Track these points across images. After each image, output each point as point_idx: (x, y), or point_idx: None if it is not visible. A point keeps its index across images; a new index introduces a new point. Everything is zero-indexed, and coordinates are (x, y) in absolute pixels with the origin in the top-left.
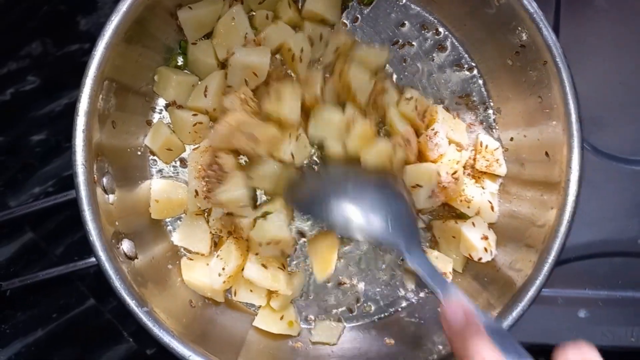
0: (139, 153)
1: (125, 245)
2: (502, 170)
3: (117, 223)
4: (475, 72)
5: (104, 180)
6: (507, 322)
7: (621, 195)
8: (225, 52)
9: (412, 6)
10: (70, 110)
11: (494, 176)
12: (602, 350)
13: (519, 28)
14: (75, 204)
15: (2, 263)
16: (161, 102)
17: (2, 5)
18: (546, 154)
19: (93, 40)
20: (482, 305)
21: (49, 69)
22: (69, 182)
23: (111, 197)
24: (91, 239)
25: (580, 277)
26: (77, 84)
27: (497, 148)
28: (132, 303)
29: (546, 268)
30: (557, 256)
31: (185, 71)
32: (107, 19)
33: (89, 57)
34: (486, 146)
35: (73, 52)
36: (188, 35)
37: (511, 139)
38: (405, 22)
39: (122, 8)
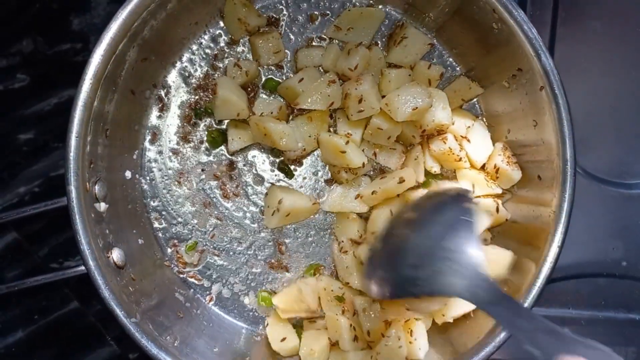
0: (134, 157)
1: (115, 254)
2: None
3: (107, 231)
4: None
5: (96, 187)
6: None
7: (607, 217)
8: None
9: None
10: (60, 110)
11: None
12: None
13: (518, 52)
14: (64, 209)
15: None
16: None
17: None
18: (539, 177)
19: (86, 41)
20: None
21: (39, 68)
22: (56, 183)
23: (103, 205)
24: (82, 247)
25: (565, 297)
26: (68, 84)
27: None
28: (121, 314)
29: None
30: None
31: None
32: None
33: (80, 57)
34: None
35: (65, 52)
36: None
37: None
38: None
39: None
